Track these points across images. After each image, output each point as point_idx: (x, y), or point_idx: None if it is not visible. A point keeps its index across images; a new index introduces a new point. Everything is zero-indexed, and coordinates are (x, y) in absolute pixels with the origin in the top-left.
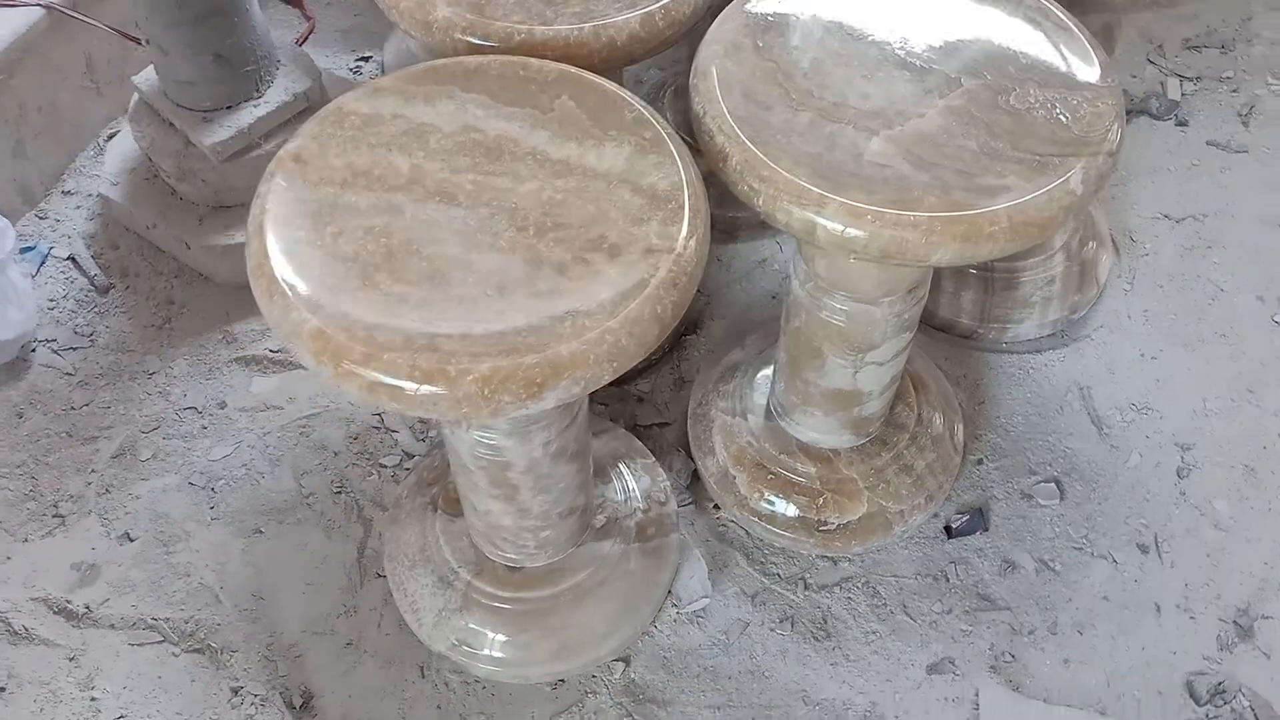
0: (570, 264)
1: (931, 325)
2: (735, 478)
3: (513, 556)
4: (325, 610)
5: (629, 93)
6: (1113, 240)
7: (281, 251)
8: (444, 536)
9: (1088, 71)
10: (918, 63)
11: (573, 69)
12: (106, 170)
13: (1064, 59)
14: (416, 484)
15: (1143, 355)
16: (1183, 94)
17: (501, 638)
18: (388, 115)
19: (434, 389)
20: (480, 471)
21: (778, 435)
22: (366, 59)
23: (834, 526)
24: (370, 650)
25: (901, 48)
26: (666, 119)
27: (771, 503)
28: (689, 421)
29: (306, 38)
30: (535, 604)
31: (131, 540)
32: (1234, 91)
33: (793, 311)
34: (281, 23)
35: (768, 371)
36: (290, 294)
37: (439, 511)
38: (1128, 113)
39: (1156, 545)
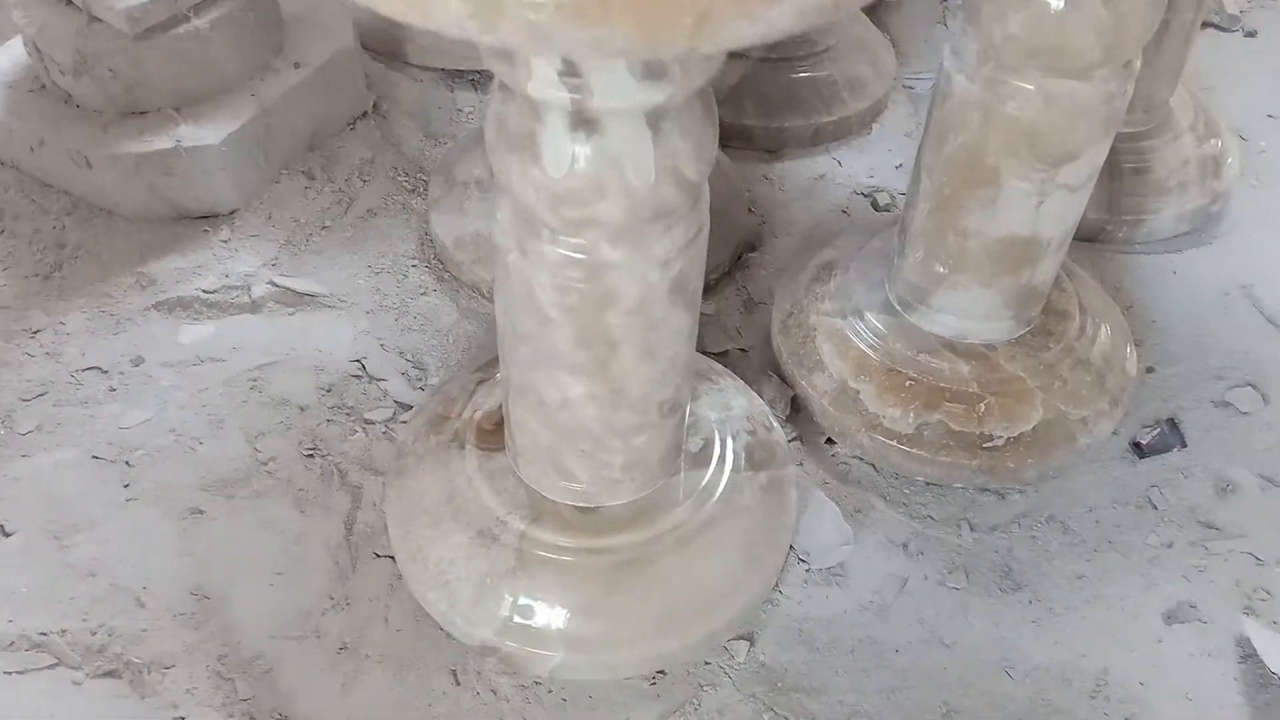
0: None
1: None
2: (858, 392)
3: (586, 487)
4: (304, 606)
5: None
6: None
7: None
8: (483, 478)
9: None
10: None
11: None
12: None
13: None
14: (429, 422)
15: None
16: (1241, 11)
17: (577, 604)
18: None
19: None
20: (565, 319)
21: (910, 332)
22: None
23: (1002, 441)
24: (376, 654)
25: None
26: None
27: (914, 416)
28: (778, 339)
29: None
30: (624, 554)
31: (7, 535)
32: None
33: (954, 123)
34: None
35: (879, 263)
36: None
37: (469, 447)
38: None
39: None
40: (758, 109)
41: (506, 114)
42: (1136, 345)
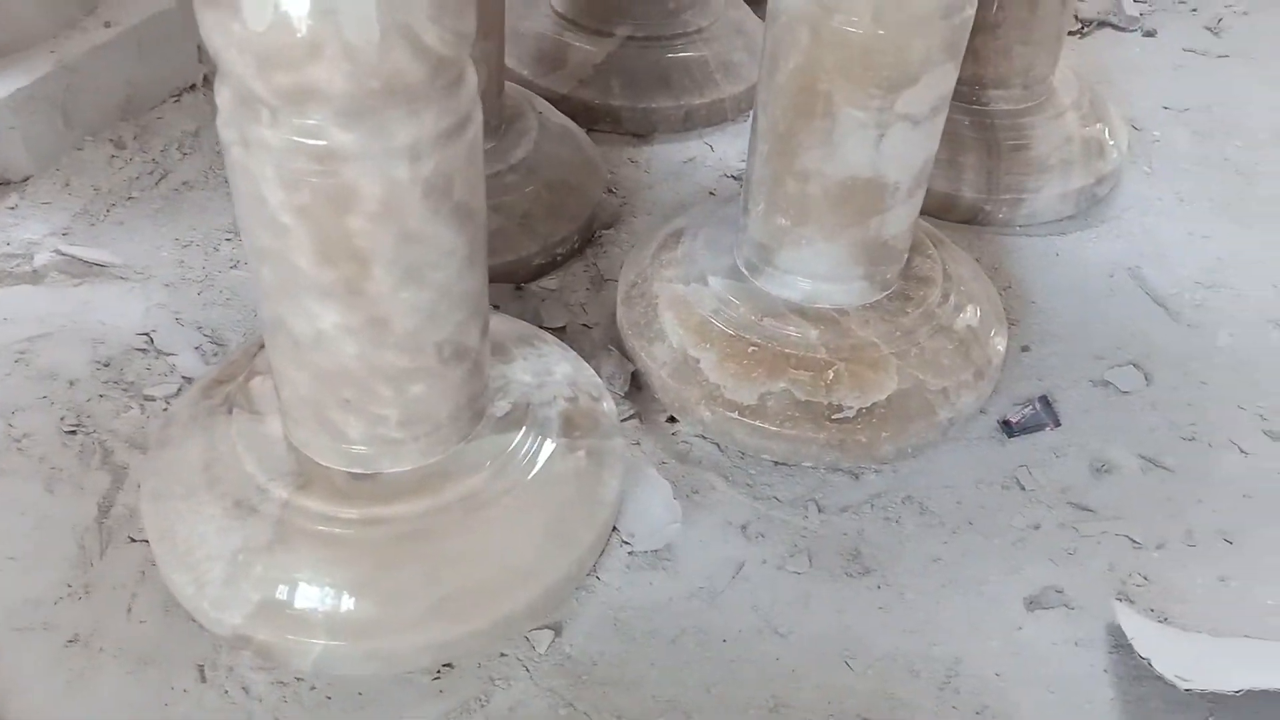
0: None
1: (925, 212)
2: (699, 361)
3: (362, 449)
4: (34, 595)
5: None
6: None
7: None
8: (244, 442)
9: None
10: None
11: None
12: None
13: None
14: (202, 389)
15: (1191, 234)
16: (1139, 13)
17: (344, 582)
18: None
19: None
20: (300, 224)
21: (756, 297)
22: None
23: (853, 412)
24: (112, 648)
25: None
26: None
27: (757, 384)
28: (621, 310)
29: None
30: (402, 525)
31: None
32: (1194, 11)
33: (782, 43)
34: None
35: (728, 231)
36: None
37: (235, 411)
38: (1086, 24)
39: None
40: (625, 90)
41: None
42: (1012, 324)
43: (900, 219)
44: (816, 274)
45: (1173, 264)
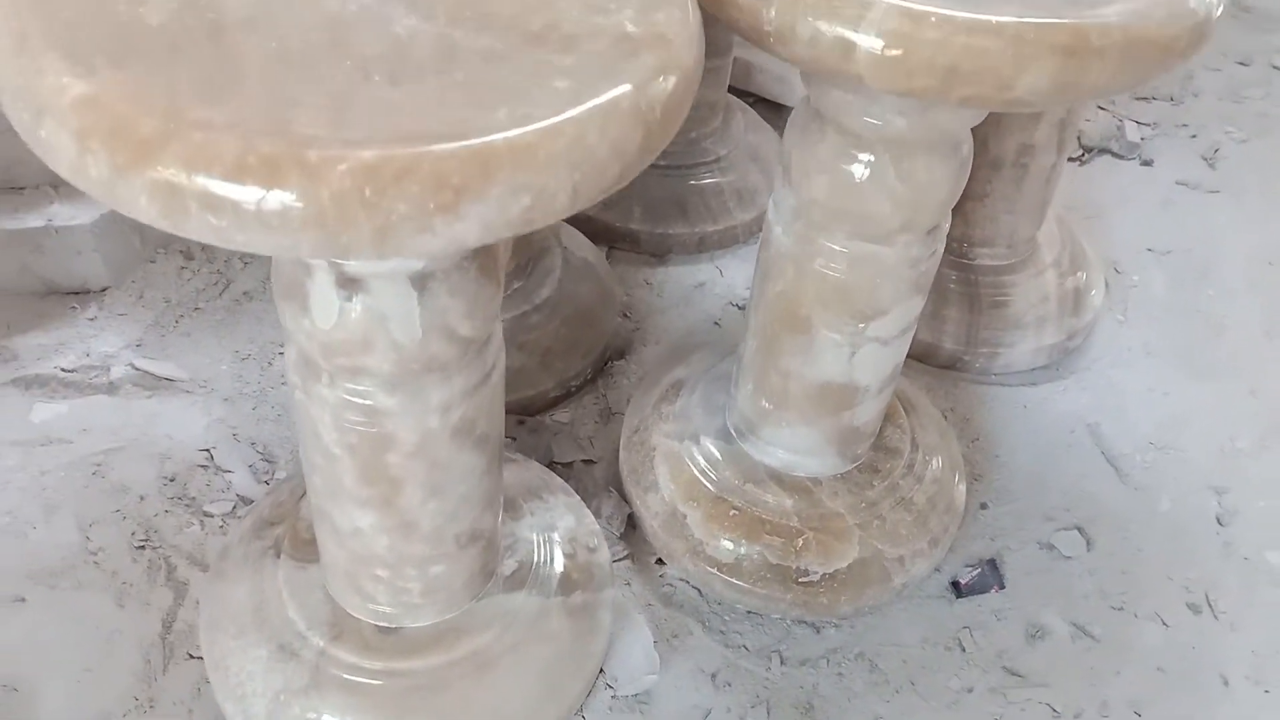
0: (502, 54)
1: (909, 354)
2: (685, 516)
3: (388, 609)
4: (107, 706)
5: None
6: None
7: (44, 14)
8: (288, 589)
9: None
10: None
11: None
12: None
13: None
14: (254, 525)
15: (1152, 390)
16: (1141, 138)
17: None
18: None
19: (282, 194)
20: (347, 456)
21: (741, 461)
22: None
23: (817, 577)
24: None
25: None
26: None
27: (734, 546)
28: (622, 454)
29: None
30: (419, 679)
31: None
32: (1193, 137)
33: (773, 270)
34: None
35: (724, 387)
36: (46, 53)
37: (284, 557)
38: (1088, 151)
39: (1210, 605)
40: (645, 214)
41: (280, 261)
42: (975, 480)
43: (869, 411)
44: (794, 449)
45: (1130, 421)
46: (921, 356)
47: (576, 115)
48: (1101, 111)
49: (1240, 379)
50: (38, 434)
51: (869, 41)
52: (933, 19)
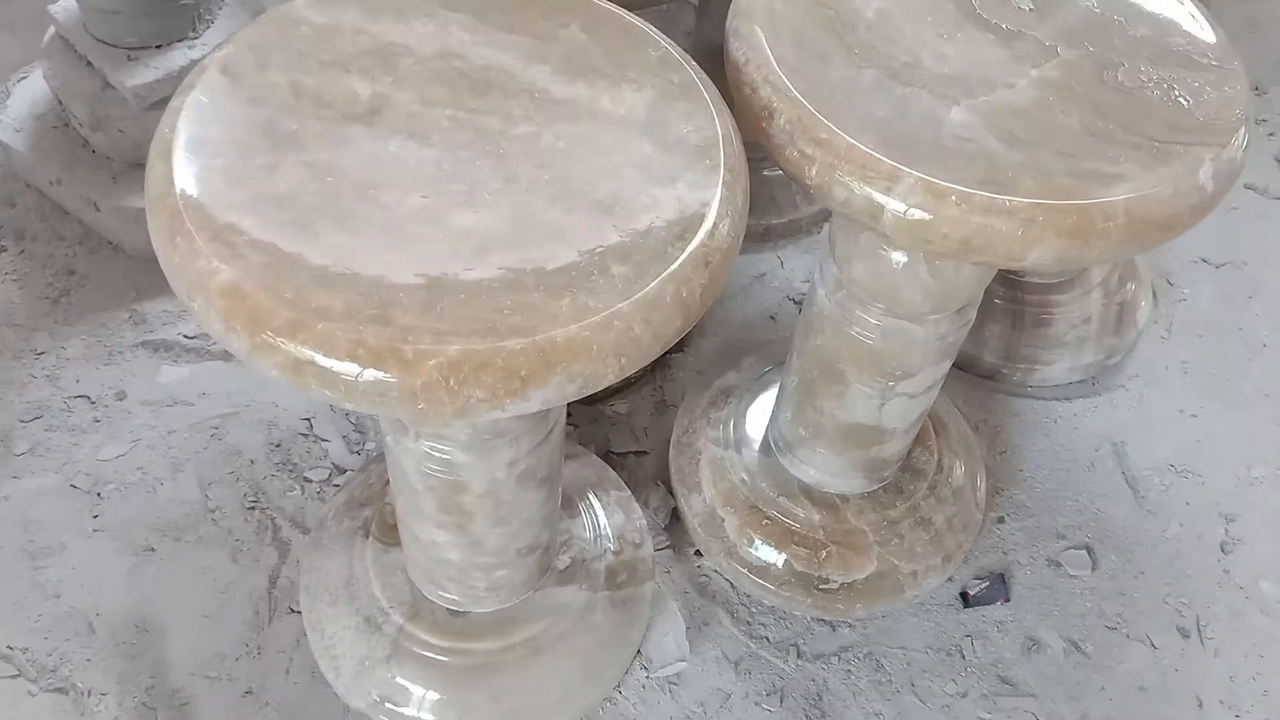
0: (571, 228)
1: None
2: (723, 520)
3: (457, 598)
4: (223, 650)
5: (653, 27)
6: (1151, 283)
7: (194, 182)
8: (375, 569)
9: (1207, 47)
10: (1005, 25)
11: None
12: (10, 115)
13: (1179, 32)
14: (347, 503)
15: (1181, 411)
16: None
17: (435, 697)
18: (348, 29)
19: (383, 375)
20: (428, 493)
21: (776, 474)
22: None
23: (836, 586)
24: (274, 702)
25: (984, 6)
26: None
27: (764, 552)
28: (672, 452)
29: None
30: (480, 658)
31: None
32: (1270, 135)
33: (814, 326)
34: None
35: (768, 398)
36: (198, 236)
37: (371, 539)
38: None
39: (1199, 629)
40: None
41: None
42: (996, 494)
43: (896, 447)
44: (825, 470)
45: (1155, 443)
46: (964, 366)
47: (625, 309)
48: None
49: (1269, 405)
50: (164, 395)
51: (895, 206)
52: (953, 197)
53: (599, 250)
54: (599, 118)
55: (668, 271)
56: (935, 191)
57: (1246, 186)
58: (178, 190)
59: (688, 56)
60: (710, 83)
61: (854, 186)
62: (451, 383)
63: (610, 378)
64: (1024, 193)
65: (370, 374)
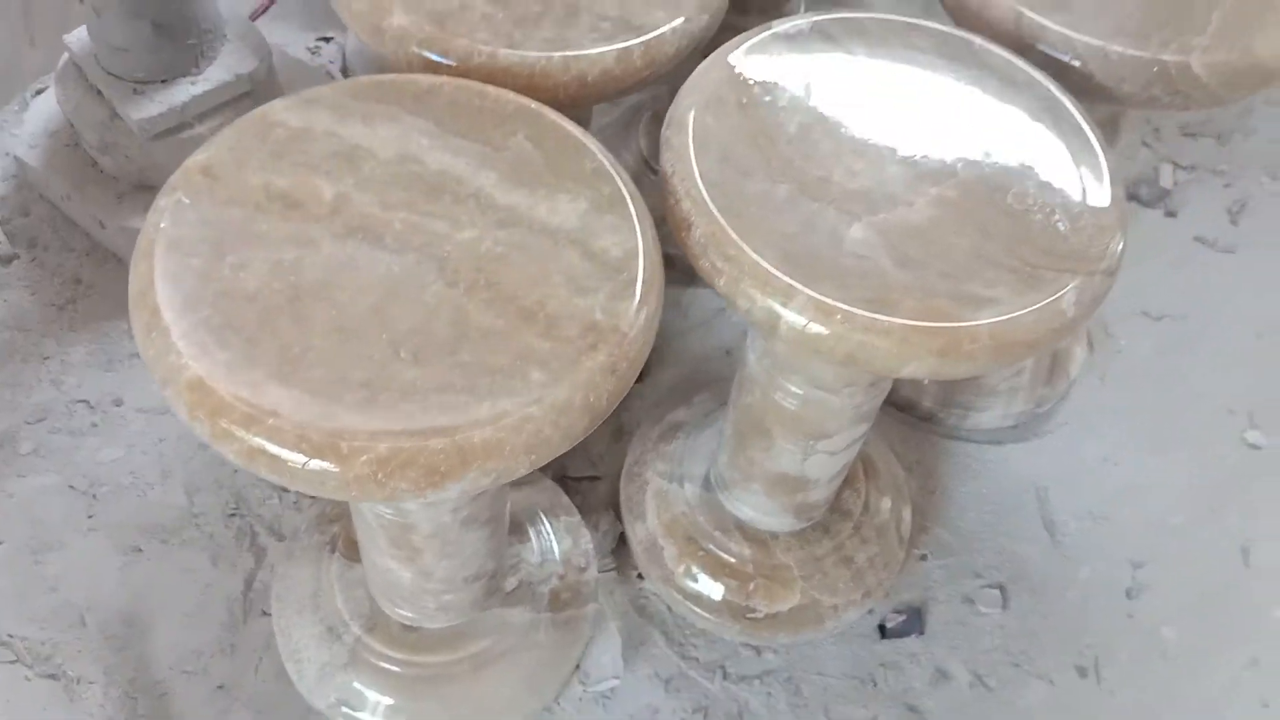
0: (500, 333)
1: (891, 403)
2: (663, 549)
3: (410, 615)
4: (200, 646)
5: (593, 139)
6: (1088, 333)
7: (170, 280)
8: (339, 583)
9: (1093, 176)
10: (913, 143)
11: (533, 104)
12: (26, 130)
13: (1068, 158)
14: (318, 518)
15: (1106, 459)
16: (1175, 182)
17: (388, 702)
18: (320, 132)
19: (323, 465)
20: (380, 530)
21: (714, 509)
22: (328, 39)
23: (761, 615)
24: (244, 698)
25: (897, 123)
26: (641, 146)
27: (698, 581)
28: (623, 480)
29: (267, 8)
30: (429, 670)
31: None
32: (1227, 185)
33: (745, 386)
34: None
35: (713, 437)
36: (172, 332)
37: (337, 554)
38: None
39: (1096, 670)
40: None
41: None
42: (922, 532)
43: (820, 494)
44: (757, 509)
45: (1077, 489)
46: (903, 408)
47: (537, 414)
48: (1145, 149)
49: (1192, 455)
50: (158, 404)
51: (790, 319)
52: (839, 315)
53: (521, 356)
54: (535, 226)
55: (579, 379)
56: (824, 309)
57: (1196, 239)
58: (157, 289)
59: (620, 169)
60: (638, 195)
61: (756, 298)
62: (380, 476)
63: (522, 471)
64: (904, 313)
65: (314, 464)
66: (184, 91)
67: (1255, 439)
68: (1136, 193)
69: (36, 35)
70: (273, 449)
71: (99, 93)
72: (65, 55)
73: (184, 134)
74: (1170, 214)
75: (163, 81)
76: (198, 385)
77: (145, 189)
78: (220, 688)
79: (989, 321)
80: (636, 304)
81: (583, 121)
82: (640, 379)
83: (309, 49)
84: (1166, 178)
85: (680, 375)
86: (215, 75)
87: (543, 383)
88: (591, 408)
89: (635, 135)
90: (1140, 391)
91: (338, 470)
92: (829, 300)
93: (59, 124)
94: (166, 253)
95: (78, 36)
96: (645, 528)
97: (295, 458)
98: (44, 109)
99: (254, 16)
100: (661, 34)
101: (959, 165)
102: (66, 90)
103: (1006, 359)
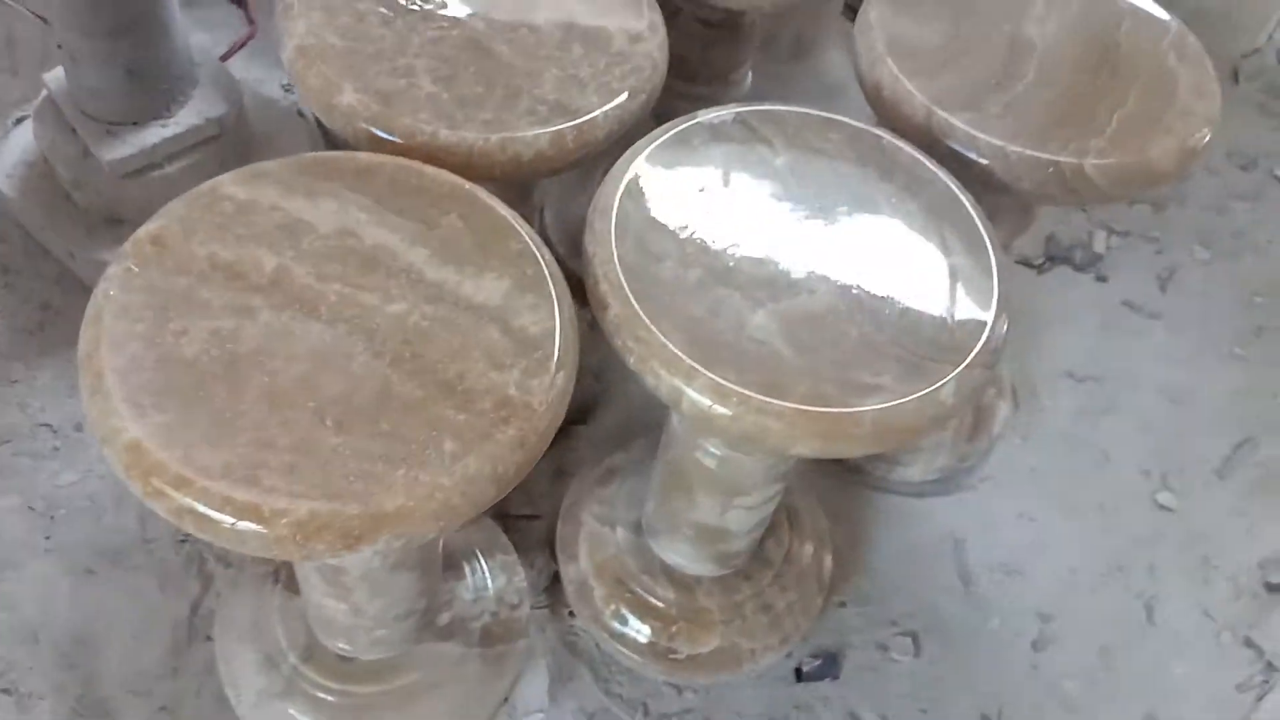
0: (419, 404)
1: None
2: (594, 589)
3: (346, 647)
4: (145, 668)
5: (522, 220)
6: (1014, 391)
7: (115, 346)
8: (279, 614)
9: (981, 273)
10: (819, 235)
11: (467, 185)
12: (4, 159)
13: (962, 253)
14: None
15: (1021, 515)
16: (1108, 248)
17: None
18: (265, 205)
19: (247, 525)
20: (314, 571)
21: (643, 553)
22: None
23: (683, 656)
24: (186, 719)
25: (806, 215)
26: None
27: (625, 622)
28: (560, 520)
29: (244, 44)
30: (361, 699)
31: None
32: (1158, 253)
33: (669, 442)
34: (222, 24)
35: (645, 484)
36: (114, 395)
37: (280, 585)
38: (1050, 259)
39: (1000, 719)
40: None
41: None
42: (843, 580)
43: (740, 544)
44: (682, 555)
45: (993, 542)
46: (835, 460)
47: (448, 483)
48: (1080, 213)
49: (1102, 516)
50: None
51: (692, 398)
52: (735, 398)
53: (437, 428)
54: (460, 302)
55: (489, 451)
56: (722, 392)
57: (1124, 303)
58: (102, 354)
59: (545, 250)
60: (560, 277)
61: (663, 377)
62: (298, 537)
63: (431, 536)
64: (794, 398)
65: (240, 525)
66: (155, 134)
67: (1166, 500)
68: (1070, 257)
69: (19, 66)
70: (201, 509)
71: (74, 131)
72: (44, 93)
73: (154, 174)
74: (1101, 279)
75: (134, 124)
76: (134, 447)
77: (115, 223)
78: (163, 709)
79: (873, 408)
80: (549, 380)
81: (526, 193)
82: (584, 420)
83: (283, 86)
84: (1100, 243)
85: (623, 418)
86: (185, 119)
87: (454, 454)
88: (499, 479)
89: (593, 185)
90: (1059, 451)
91: (261, 531)
92: (727, 383)
93: (36, 155)
94: (114, 319)
95: (56, 76)
96: (578, 568)
97: (222, 518)
98: (23, 139)
99: (227, 56)
100: (594, 118)
101: (860, 257)
102: (43, 127)
103: (888, 443)
